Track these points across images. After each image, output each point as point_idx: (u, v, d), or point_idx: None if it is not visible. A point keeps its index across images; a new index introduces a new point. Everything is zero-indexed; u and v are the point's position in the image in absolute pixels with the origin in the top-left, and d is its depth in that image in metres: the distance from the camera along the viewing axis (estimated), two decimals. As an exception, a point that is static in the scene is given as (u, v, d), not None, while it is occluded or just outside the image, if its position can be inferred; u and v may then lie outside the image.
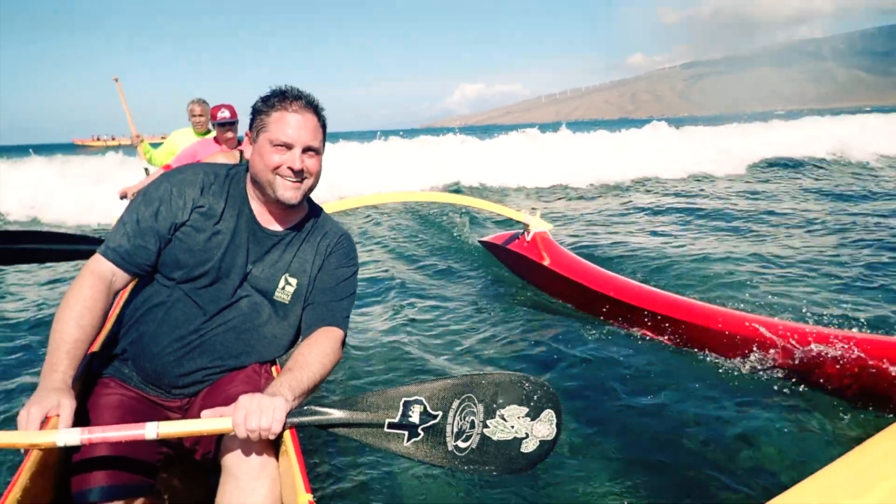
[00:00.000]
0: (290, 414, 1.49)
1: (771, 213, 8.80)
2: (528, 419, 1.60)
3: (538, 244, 5.24)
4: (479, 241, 6.75)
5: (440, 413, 1.57)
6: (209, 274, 1.78)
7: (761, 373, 3.23)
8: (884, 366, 2.83)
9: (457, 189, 12.13)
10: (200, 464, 1.73)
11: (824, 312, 4.09)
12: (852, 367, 2.90)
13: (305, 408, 1.54)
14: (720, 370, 3.35)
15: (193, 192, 1.80)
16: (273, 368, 1.91)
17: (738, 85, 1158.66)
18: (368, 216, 9.16)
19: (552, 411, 1.60)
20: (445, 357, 3.76)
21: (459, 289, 5.38)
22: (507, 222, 7.66)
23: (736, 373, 3.28)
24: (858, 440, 1.98)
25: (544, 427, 1.60)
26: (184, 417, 1.74)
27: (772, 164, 14.87)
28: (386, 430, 1.56)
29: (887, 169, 14.08)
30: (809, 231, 7.52)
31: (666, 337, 3.79)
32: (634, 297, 4.06)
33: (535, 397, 1.60)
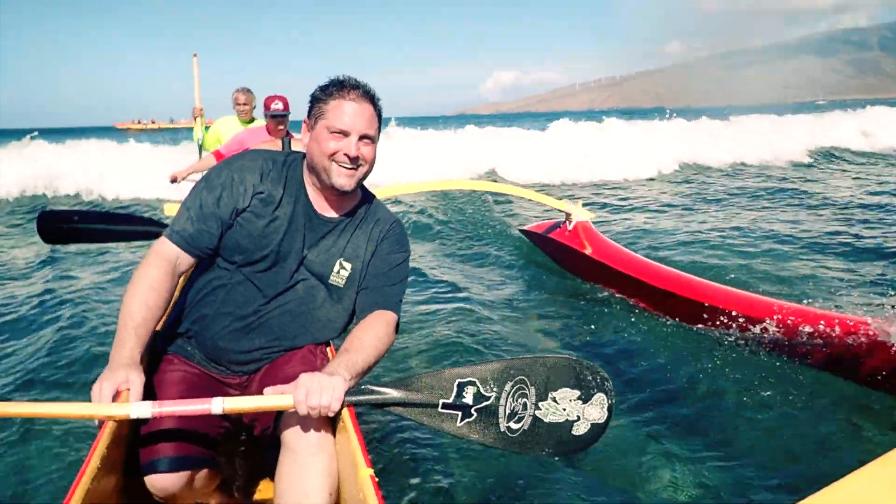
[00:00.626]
0: (347, 392, 1.54)
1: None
2: (580, 402, 1.62)
3: (580, 233, 5.21)
4: (520, 230, 6.74)
5: (493, 395, 1.60)
6: (268, 258, 1.83)
7: (801, 361, 3.19)
8: None
9: (493, 179, 12.12)
10: (259, 439, 1.79)
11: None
12: None
13: (363, 387, 1.58)
14: (774, 363, 3.30)
15: (254, 178, 1.85)
16: (328, 350, 1.97)
17: (776, 74, 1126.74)
18: (412, 204, 9.23)
19: (604, 395, 1.62)
20: (491, 343, 3.79)
21: (501, 277, 5.41)
22: (548, 213, 7.64)
23: (784, 365, 3.24)
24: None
25: (596, 410, 1.62)
26: (243, 394, 1.80)
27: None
28: (440, 410, 1.60)
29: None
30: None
31: (713, 326, 3.74)
32: (679, 287, 4.01)
33: (588, 381, 1.62)
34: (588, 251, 5.04)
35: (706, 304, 3.77)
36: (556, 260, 5.75)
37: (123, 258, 6.27)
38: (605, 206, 9.65)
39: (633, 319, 4.02)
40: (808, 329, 3.25)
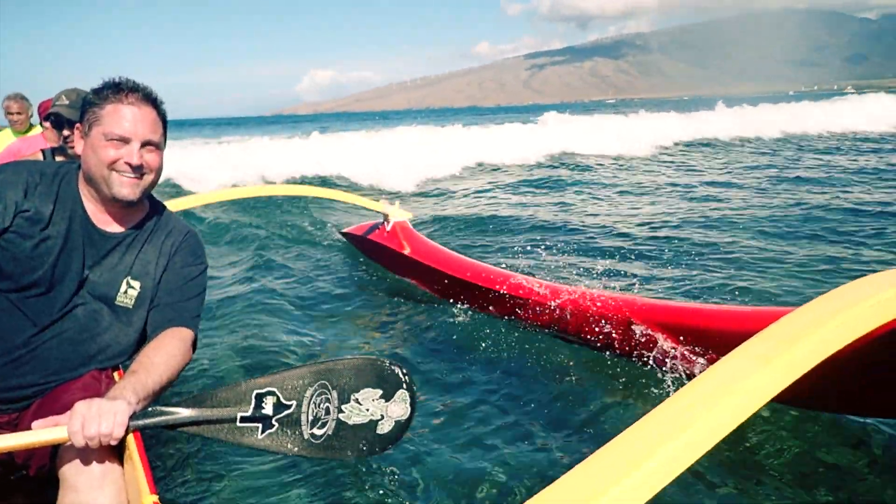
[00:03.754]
0: (133, 417, 1.43)
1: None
2: (383, 401, 1.63)
3: (398, 233, 5.29)
4: (340, 233, 6.71)
5: (294, 402, 1.56)
6: (41, 283, 1.65)
7: (598, 346, 3.43)
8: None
9: (322, 182, 11.93)
10: (36, 479, 1.62)
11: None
12: None
13: (150, 409, 1.48)
14: (570, 349, 3.54)
15: (16, 194, 1.66)
16: (116, 374, 1.82)
17: (575, 75, 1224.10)
18: (219, 213, 8.82)
19: (405, 391, 1.65)
20: (305, 347, 3.70)
21: (320, 281, 5.33)
22: (370, 215, 7.67)
23: (582, 352, 3.50)
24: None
25: (399, 407, 1.65)
26: (14, 432, 1.62)
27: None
28: (238, 424, 1.53)
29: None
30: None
31: (522, 318, 3.97)
32: (491, 282, 4.21)
33: (389, 379, 1.62)
34: (406, 251, 5.13)
35: (517, 297, 3.99)
36: (376, 260, 5.79)
37: None
38: (426, 195, 9.94)
39: (449, 315, 4.15)
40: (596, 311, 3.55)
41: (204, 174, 11.05)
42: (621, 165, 13.77)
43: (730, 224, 6.95)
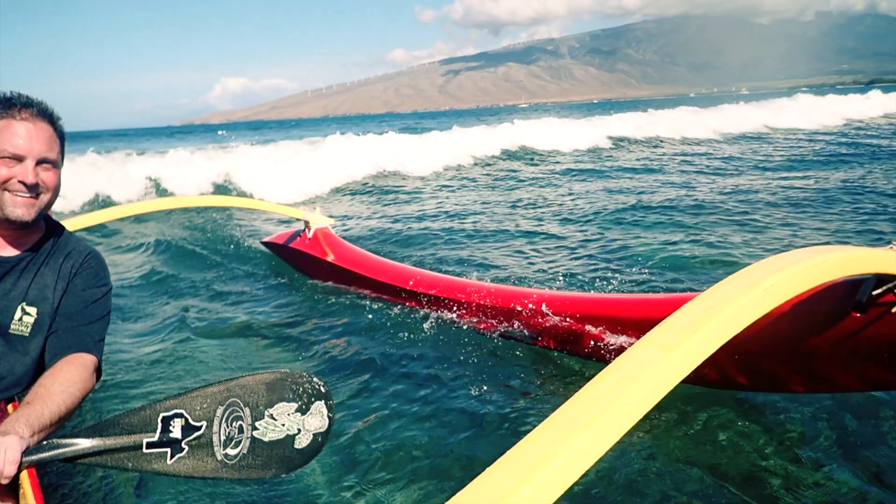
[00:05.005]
0: (26, 452, 1.33)
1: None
2: (299, 414, 1.58)
3: (320, 240, 5.21)
4: (261, 242, 6.55)
5: (204, 423, 1.50)
6: None
7: (516, 339, 3.47)
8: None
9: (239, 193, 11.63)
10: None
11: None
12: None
13: (46, 442, 1.39)
14: (493, 344, 3.56)
15: None
16: (10, 406, 1.71)
17: (490, 80, 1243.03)
18: (125, 228, 8.46)
19: (322, 403, 1.60)
20: (220, 364, 3.56)
21: (239, 293, 5.17)
22: (290, 223, 7.53)
23: (507, 346, 3.54)
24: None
25: (316, 420, 1.60)
26: None
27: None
28: (145, 451, 1.45)
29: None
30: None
31: (447, 317, 3.98)
32: (418, 284, 4.20)
33: (304, 391, 1.57)
34: (330, 257, 5.06)
35: (443, 297, 4.00)
36: (299, 269, 5.68)
37: None
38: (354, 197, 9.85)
39: (374, 320, 4.08)
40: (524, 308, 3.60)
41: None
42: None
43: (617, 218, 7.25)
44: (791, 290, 1.48)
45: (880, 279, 1.91)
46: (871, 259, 1.78)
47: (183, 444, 1.48)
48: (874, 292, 1.92)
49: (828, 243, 2.47)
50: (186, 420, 1.48)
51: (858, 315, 1.99)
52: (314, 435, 1.60)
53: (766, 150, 14.76)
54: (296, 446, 1.58)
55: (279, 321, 4.35)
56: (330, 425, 1.62)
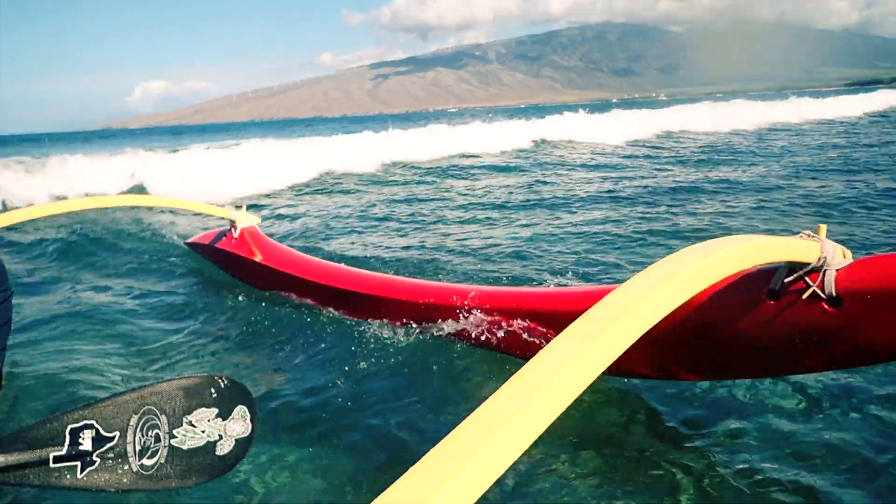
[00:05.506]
0: None
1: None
2: (220, 420, 1.53)
3: (247, 240, 5.07)
4: (186, 243, 6.34)
5: (117, 433, 1.42)
6: None
7: (432, 335, 3.45)
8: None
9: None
10: None
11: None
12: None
13: None
14: (422, 342, 3.52)
15: None
16: None
17: (419, 85, 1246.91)
18: (33, 231, 8.04)
19: (244, 407, 1.55)
20: (138, 371, 3.40)
21: (161, 296, 4.97)
22: (215, 222, 7.31)
23: (435, 343, 3.52)
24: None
25: (238, 425, 1.55)
26: None
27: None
28: (52, 465, 1.37)
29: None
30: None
31: (379, 316, 3.94)
32: (347, 283, 4.14)
33: (224, 395, 1.51)
34: (258, 258, 4.93)
35: (375, 296, 3.96)
36: (226, 270, 5.52)
37: None
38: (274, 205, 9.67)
39: (304, 321, 4.00)
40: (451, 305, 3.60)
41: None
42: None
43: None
44: (708, 279, 1.53)
45: (792, 267, 2.00)
46: (783, 247, 1.86)
47: (94, 457, 1.40)
48: (786, 279, 2.01)
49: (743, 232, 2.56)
50: (97, 431, 1.41)
51: (773, 302, 2.08)
52: (237, 440, 1.54)
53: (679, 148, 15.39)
54: (217, 453, 1.52)
55: (201, 324, 4.21)
56: (253, 430, 1.56)
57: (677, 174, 10.95)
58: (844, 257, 1.97)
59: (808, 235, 1.95)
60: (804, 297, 1.97)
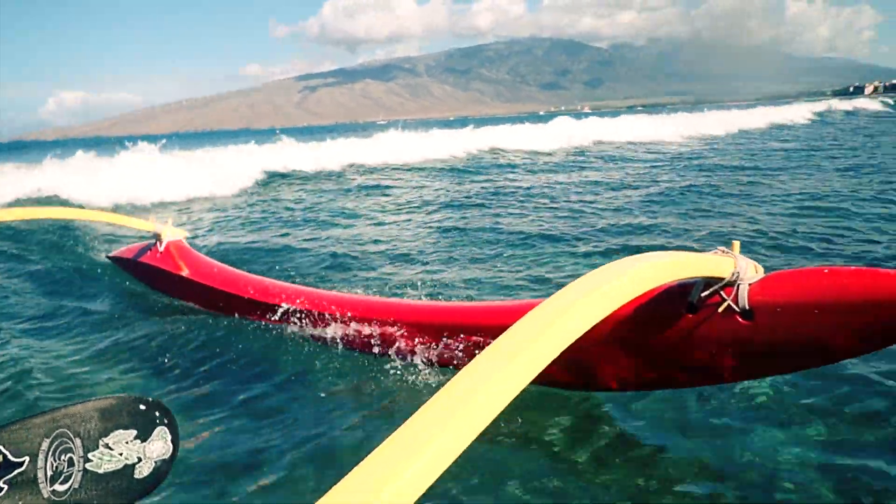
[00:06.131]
0: None
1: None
2: (139, 441, 1.49)
3: (173, 254, 4.92)
4: (108, 257, 6.11)
5: (26, 458, 1.36)
6: None
7: (379, 353, 3.43)
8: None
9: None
10: None
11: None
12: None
13: None
14: (347, 357, 3.48)
15: None
16: None
17: (348, 96, 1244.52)
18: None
19: (165, 428, 1.51)
20: (55, 393, 3.23)
21: (81, 313, 4.74)
22: (141, 236, 7.06)
23: (362, 359, 3.48)
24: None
25: (158, 446, 1.50)
26: None
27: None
28: None
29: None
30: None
31: (311, 331, 3.89)
32: (276, 297, 4.07)
33: (144, 416, 1.45)
34: (184, 272, 4.80)
35: (305, 311, 3.91)
36: (151, 285, 5.35)
37: None
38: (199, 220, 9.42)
39: (232, 336, 3.90)
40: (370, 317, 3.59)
41: None
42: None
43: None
44: (628, 294, 1.59)
45: (708, 281, 2.09)
46: (699, 263, 1.95)
47: (1, 484, 1.34)
48: (703, 294, 2.11)
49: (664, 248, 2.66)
50: (4, 456, 1.34)
51: (691, 315, 2.18)
52: (156, 462, 1.49)
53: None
54: (136, 476, 1.47)
55: (122, 342, 4.04)
56: (174, 451, 1.52)
57: (618, 188, 11.24)
58: (756, 272, 2.08)
59: (723, 251, 2.05)
60: (720, 310, 2.07)
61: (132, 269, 5.52)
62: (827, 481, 2.24)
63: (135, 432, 1.46)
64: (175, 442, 1.51)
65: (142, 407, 1.47)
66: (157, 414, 1.48)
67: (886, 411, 2.67)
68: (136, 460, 1.46)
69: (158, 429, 1.48)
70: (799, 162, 13.20)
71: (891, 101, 54.03)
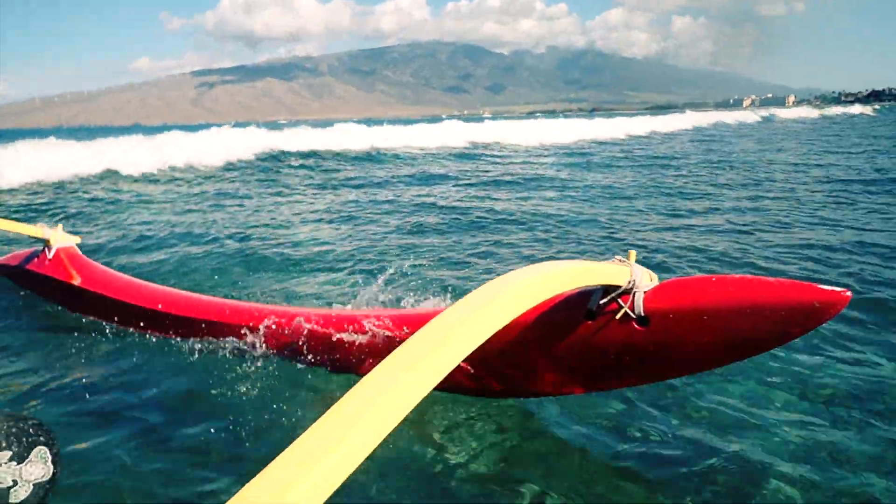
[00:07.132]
0: None
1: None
2: (14, 463, 1.39)
3: (64, 261, 4.63)
4: (-11, 266, 5.68)
5: None
6: None
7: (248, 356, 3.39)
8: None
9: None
10: None
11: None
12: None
13: None
14: (251, 365, 3.39)
15: None
16: None
17: (248, 94, 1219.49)
18: None
19: (45, 448, 1.42)
20: None
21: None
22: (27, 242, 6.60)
23: (270, 366, 3.41)
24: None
25: (37, 468, 1.41)
26: None
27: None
28: None
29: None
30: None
31: (212, 341, 3.75)
32: (174, 307, 3.89)
33: (19, 436, 1.37)
34: (76, 281, 4.51)
35: (205, 320, 3.77)
36: (41, 295, 5.01)
37: None
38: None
39: (126, 349, 3.68)
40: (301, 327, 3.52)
41: None
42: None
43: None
44: (528, 303, 1.62)
45: (606, 289, 2.17)
46: (598, 271, 2.02)
47: None
48: (602, 301, 2.19)
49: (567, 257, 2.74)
50: None
51: (590, 322, 2.25)
52: (35, 486, 1.40)
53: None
54: (11, 501, 1.38)
55: (5, 360, 3.78)
56: (56, 473, 1.43)
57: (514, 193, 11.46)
58: (651, 280, 2.18)
59: (620, 261, 2.14)
60: (617, 317, 2.15)
61: (16, 277, 5.16)
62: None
63: (10, 453, 1.36)
64: (56, 463, 1.42)
65: (19, 426, 1.37)
66: (37, 433, 1.39)
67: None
68: (11, 484, 1.36)
69: (38, 449, 1.39)
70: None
71: (766, 114, 59.01)
